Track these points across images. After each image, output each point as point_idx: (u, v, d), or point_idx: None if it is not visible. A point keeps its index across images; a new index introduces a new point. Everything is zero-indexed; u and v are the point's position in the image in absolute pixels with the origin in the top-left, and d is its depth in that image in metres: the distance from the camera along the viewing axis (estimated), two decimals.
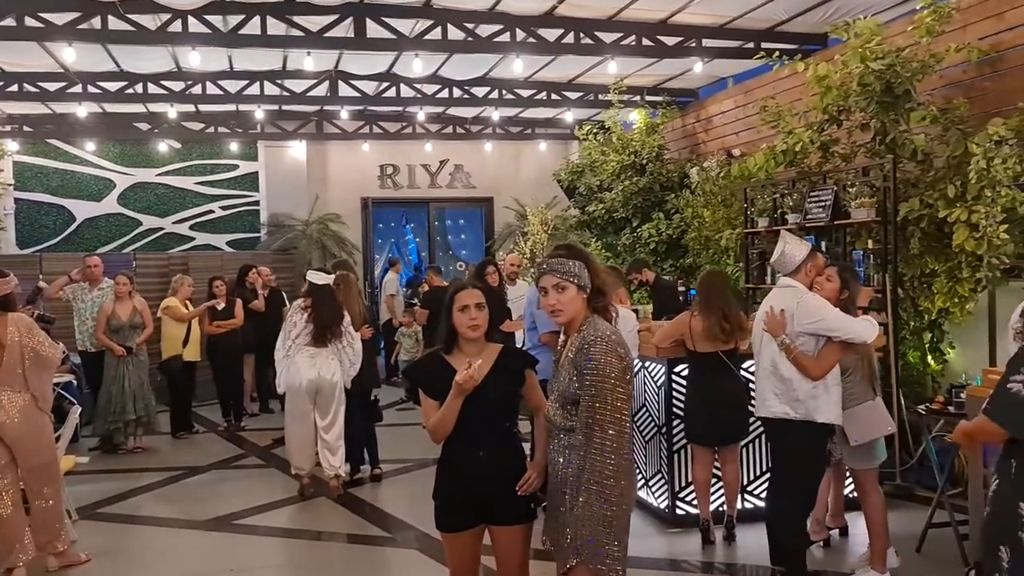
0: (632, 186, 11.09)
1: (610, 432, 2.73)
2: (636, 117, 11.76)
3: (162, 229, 13.60)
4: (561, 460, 2.90)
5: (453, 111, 13.32)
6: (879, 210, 6.42)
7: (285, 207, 13.72)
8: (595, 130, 12.15)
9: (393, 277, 12.49)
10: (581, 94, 11.91)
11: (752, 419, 5.05)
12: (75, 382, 8.71)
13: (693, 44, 9.16)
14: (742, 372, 5.26)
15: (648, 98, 11.70)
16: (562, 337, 3.01)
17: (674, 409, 5.51)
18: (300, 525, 6.01)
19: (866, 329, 4.12)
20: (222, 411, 9.58)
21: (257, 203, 13.96)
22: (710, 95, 11.76)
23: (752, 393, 4.90)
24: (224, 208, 13.87)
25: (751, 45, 9.28)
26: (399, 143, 14.21)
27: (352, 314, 6.66)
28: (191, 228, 13.73)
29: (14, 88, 10.26)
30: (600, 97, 11.76)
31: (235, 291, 9.59)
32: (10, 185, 12.87)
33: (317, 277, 6.58)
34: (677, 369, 5.50)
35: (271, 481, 7.14)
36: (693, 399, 5.30)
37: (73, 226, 13.24)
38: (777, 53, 7.57)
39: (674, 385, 5.51)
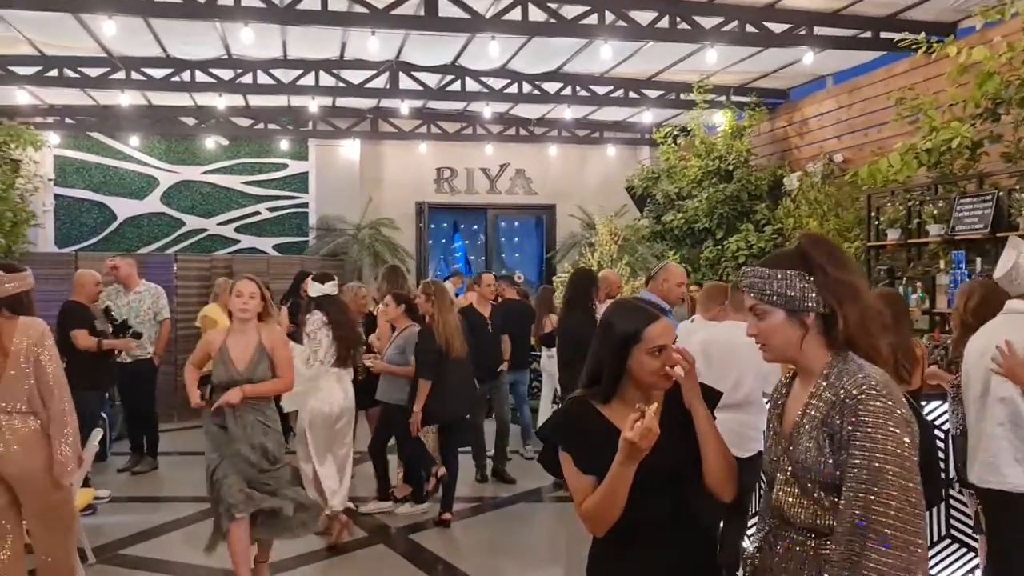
0: (718, 194, 10.03)
1: (892, 541, 1.71)
2: (721, 119, 10.70)
3: (206, 230, 12.83)
4: None
5: (517, 111, 12.38)
6: None
7: (336, 210, 12.82)
8: (675, 133, 11.11)
9: (451, 287, 11.54)
10: (661, 92, 10.87)
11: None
12: (107, 394, 7.90)
13: (803, 32, 8.10)
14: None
15: (734, 98, 10.65)
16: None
17: None
18: None
19: None
20: None
21: (306, 205, 13.12)
22: (803, 95, 10.69)
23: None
24: (271, 210, 13.06)
25: (868, 35, 8.22)
26: (458, 145, 13.28)
27: (449, 329, 5.77)
28: (236, 230, 12.94)
29: (54, 73, 9.52)
30: (681, 96, 10.74)
31: (287, 298, 8.71)
32: (50, 180, 12.22)
33: (316, 288, 5.55)
34: None
35: None
36: None
37: (114, 225, 12.54)
38: (922, 35, 6.46)
39: None
